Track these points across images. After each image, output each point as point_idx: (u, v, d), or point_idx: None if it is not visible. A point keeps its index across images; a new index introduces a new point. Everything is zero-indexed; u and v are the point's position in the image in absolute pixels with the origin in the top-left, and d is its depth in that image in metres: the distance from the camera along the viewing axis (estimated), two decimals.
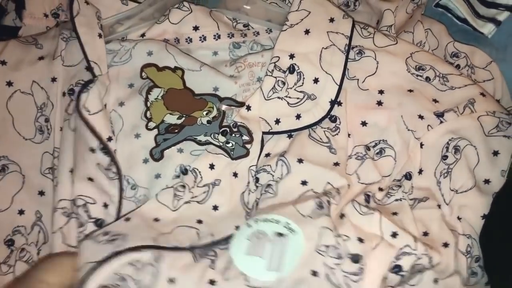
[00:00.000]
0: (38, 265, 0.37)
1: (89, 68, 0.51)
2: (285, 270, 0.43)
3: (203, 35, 0.56)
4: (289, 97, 0.51)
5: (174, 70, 0.54)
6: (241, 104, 0.52)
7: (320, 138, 0.50)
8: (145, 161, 0.50)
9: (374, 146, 0.50)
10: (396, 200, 0.48)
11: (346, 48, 0.52)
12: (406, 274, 0.43)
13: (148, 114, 0.52)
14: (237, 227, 0.45)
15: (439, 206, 0.47)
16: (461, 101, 0.49)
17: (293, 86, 0.51)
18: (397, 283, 0.43)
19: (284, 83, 0.51)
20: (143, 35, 0.56)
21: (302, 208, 0.45)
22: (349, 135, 0.50)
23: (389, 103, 0.51)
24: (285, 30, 0.52)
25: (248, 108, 0.51)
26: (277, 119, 0.50)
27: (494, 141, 0.49)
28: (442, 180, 0.48)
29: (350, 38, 0.52)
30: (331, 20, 0.53)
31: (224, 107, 0.52)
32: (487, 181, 0.48)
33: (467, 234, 0.47)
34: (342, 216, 0.46)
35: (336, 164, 0.49)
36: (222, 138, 0.50)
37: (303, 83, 0.51)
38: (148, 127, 0.52)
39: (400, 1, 0.58)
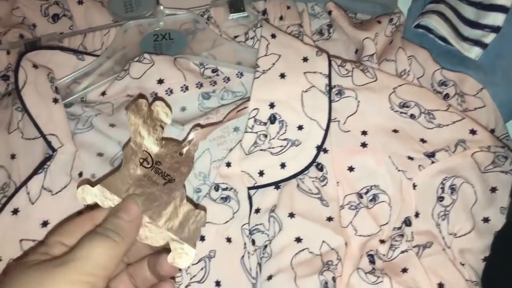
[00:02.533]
0: (55, 230, 0.35)
1: (46, 142, 0.46)
2: None
3: (169, 88, 0.51)
4: (272, 147, 0.47)
5: None
6: None
7: (310, 189, 0.46)
8: None
9: (366, 193, 0.47)
10: (402, 252, 0.45)
11: (327, 88, 0.48)
12: None
13: None
14: None
15: (443, 249, 0.45)
16: (451, 140, 0.47)
17: (276, 136, 0.47)
18: None
19: (266, 136, 0.47)
20: (103, 93, 0.52)
21: (306, 287, 0.42)
22: (337, 183, 0.47)
23: (374, 144, 0.48)
24: (258, 77, 0.48)
25: (228, 164, 0.47)
26: (260, 170, 0.47)
27: (491, 177, 0.46)
28: (441, 222, 0.46)
29: (329, 76, 0.48)
30: (305, 59, 0.49)
31: None
32: (486, 220, 0.46)
33: (474, 280, 0.44)
34: None
35: (330, 219, 0.45)
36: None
37: (286, 131, 0.47)
38: None
39: (377, 27, 0.54)
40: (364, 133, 0.48)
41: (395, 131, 0.48)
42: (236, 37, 0.54)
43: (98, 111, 0.50)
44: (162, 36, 0.53)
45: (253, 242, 0.45)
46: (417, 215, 0.46)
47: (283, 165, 0.46)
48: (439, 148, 0.47)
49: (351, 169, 0.48)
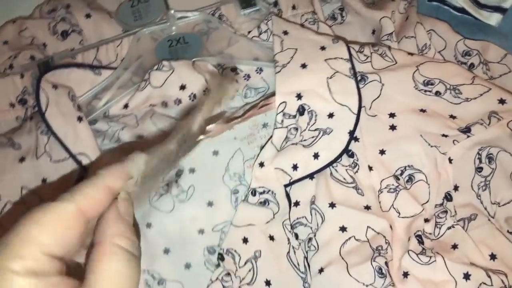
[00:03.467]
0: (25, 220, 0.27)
1: (77, 162, 0.46)
2: None
3: (192, 93, 0.50)
4: (304, 139, 0.46)
5: None
6: None
7: (344, 179, 0.46)
8: (166, 251, 0.46)
9: (401, 174, 0.46)
10: (449, 228, 0.45)
11: (352, 71, 0.47)
12: None
13: None
14: None
15: (488, 220, 0.45)
16: (482, 113, 0.46)
17: (307, 127, 0.47)
18: None
19: (296, 129, 0.47)
20: (126, 106, 0.51)
21: (360, 275, 0.41)
22: (371, 168, 0.46)
23: (403, 126, 0.47)
24: (279, 72, 0.47)
25: (261, 164, 0.46)
26: (294, 164, 0.46)
27: None
28: (482, 193, 0.45)
29: (351, 59, 0.48)
30: (322, 48, 0.48)
31: None
32: None
33: None
34: (405, 275, 0.42)
35: (367, 207, 0.45)
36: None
37: (316, 120, 0.47)
38: None
39: (392, 4, 0.53)
40: (392, 115, 0.47)
41: (423, 110, 0.47)
42: (249, 32, 0.53)
43: (124, 124, 0.49)
44: (176, 41, 0.53)
45: (296, 236, 0.45)
46: (456, 188, 0.46)
47: (316, 156, 0.46)
48: (473, 122, 0.46)
49: (382, 152, 0.47)
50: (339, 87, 0.47)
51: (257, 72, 0.52)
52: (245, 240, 0.44)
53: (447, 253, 0.43)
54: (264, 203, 0.45)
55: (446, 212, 0.45)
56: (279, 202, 0.45)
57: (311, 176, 0.46)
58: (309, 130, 0.47)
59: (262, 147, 0.48)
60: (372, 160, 0.47)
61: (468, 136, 0.46)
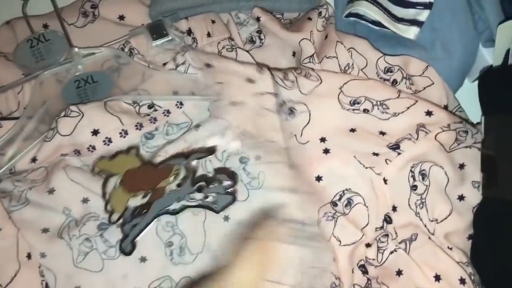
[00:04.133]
0: None
1: None
2: None
3: (106, 138, 0.46)
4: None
5: (127, 151, 0.46)
6: (210, 152, 0.45)
7: None
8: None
9: (340, 199, 0.46)
10: (391, 252, 0.44)
11: (276, 107, 0.47)
12: None
13: (108, 207, 0.44)
14: None
15: (429, 238, 0.44)
16: (411, 127, 0.46)
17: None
18: None
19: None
20: (34, 159, 0.46)
21: None
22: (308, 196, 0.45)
23: (335, 148, 0.46)
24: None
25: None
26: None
27: (458, 154, 0.46)
28: (420, 211, 0.45)
29: (275, 93, 0.47)
30: (249, 81, 0.47)
31: (194, 163, 0.45)
32: (461, 197, 0.45)
33: (465, 261, 0.44)
34: None
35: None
36: (199, 195, 0.44)
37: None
38: (111, 222, 0.43)
39: (309, 24, 0.51)
40: (323, 140, 0.47)
41: (353, 130, 0.46)
42: (165, 64, 0.50)
43: (32, 183, 0.45)
44: (84, 81, 0.48)
45: None
46: (394, 209, 0.45)
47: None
48: (401, 137, 0.46)
49: (319, 178, 0.46)
50: (266, 124, 0.46)
51: (178, 107, 0.48)
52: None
53: (392, 281, 0.42)
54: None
55: (387, 235, 0.45)
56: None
57: None
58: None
59: None
60: (308, 187, 0.45)
61: (399, 154, 0.45)
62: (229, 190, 0.44)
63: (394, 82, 0.50)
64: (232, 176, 0.45)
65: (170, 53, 0.51)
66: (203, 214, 0.44)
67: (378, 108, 0.47)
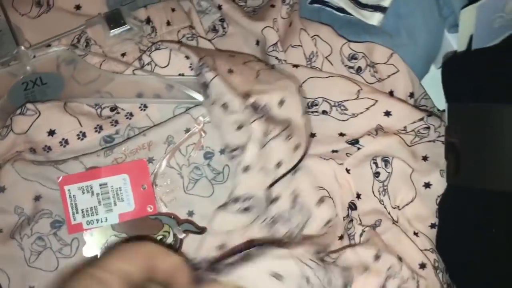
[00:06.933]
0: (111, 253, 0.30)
1: None
2: None
3: (63, 139, 0.44)
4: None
5: None
6: (202, 230, 0.44)
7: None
8: None
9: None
10: (361, 234, 0.44)
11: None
12: None
13: None
14: None
15: (393, 223, 0.44)
16: (369, 128, 0.46)
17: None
18: None
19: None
20: None
21: None
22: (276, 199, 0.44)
23: None
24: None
25: (246, 169, 0.41)
26: (278, 162, 0.42)
27: (420, 148, 0.46)
28: (383, 198, 0.45)
29: None
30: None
31: (183, 235, 0.44)
32: (427, 185, 0.45)
33: (429, 248, 0.44)
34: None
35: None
36: None
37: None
38: None
39: (273, 12, 0.50)
40: None
41: (313, 135, 0.46)
42: (123, 54, 0.49)
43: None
44: (32, 83, 0.46)
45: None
46: (358, 196, 0.45)
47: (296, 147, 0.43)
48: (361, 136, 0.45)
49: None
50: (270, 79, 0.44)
51: (141, 109, 0.46)
52: (221, 247, 0.41)
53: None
54: (247, 209, 0.41)
55: (352, 221, 0.44)
56: (261, 205, 0.42)
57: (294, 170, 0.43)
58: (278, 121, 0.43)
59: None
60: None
61: (359, 148, 0.45)
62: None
63: (359, 70, 0.49)
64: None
65: (128, 43, 0.49)
66: None
67: (336, 109, 0.46)
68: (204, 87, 0.43)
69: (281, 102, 0.42)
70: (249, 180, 0.41)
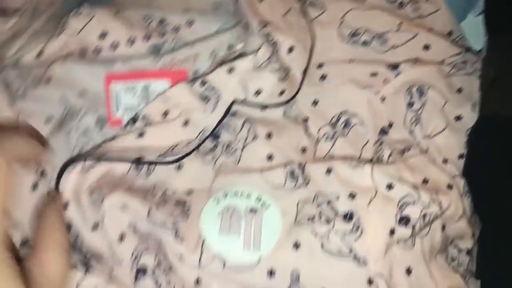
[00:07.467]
0: None
1: None
2: (263, 249, 0.39)
3: (113, 42, 0.46)
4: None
5: None
6: None
7: None
8: None
9: (337, 121, 0.46)
10: (389, 156, 0.44)
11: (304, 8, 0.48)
12: (418, 226, 0.40)
13: None
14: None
15: (422, 153, 0.45)
16: (408, 59, 0.47)
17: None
18: (408, 237, 0.40)
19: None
20: (40, 52, 0.46)
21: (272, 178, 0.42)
22: (307, 119, 0.45)
23: (332, 73, 0.47)
24: None
25: (230, 70, 0.44)
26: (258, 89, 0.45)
27: (456, 79, 0.47)
28: (414, 128, 0.46)
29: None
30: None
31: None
32: (458, 118, 0.46)
33: (458, 174, 0.44)
34: (328, 171, 0.42)
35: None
36: None
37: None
38: None
39: None
40: (320, 66, 0.47)
41: (351, 60, 0.47)
42: None
43: (34, 77, 0.45)
44: None
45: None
46: (390, 125, 0.46)
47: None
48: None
49: (315, 103, 0.46)
50: (294, 23, 0.46)
51: (188, 25, 0.48)
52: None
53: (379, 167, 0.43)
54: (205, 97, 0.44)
55: (381, 143, 0.45)
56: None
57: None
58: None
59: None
60: (307, 112, 0.46)
61: (397, 75, 0.46)
62: None
63: (401, 5, 0.50)
64: None
65: None
66: None
67: (377, 41, 0.48)
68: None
69: (290, 49, 0.45)
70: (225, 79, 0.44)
